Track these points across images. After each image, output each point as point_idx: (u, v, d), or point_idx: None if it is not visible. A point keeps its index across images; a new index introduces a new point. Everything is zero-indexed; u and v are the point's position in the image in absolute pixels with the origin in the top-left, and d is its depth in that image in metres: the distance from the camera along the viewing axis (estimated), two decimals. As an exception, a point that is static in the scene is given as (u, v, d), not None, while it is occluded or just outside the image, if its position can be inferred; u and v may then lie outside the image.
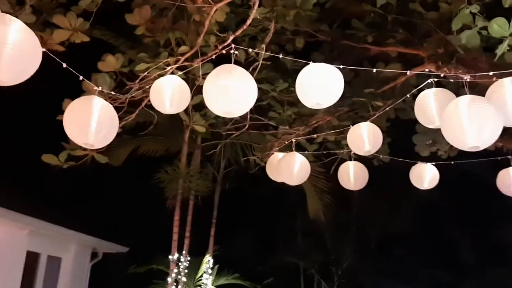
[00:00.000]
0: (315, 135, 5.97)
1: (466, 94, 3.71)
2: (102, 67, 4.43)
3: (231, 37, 3.67)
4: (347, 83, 5.73)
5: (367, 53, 5.69)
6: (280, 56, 4.65)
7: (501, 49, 3.87)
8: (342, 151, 6.24)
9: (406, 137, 6.27)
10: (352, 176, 5.78)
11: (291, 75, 5.71)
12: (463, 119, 3.31)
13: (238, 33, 3.74)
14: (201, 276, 8.08)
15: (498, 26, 3.75)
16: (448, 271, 12.40)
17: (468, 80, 3.84)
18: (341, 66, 3.76)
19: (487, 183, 5.89)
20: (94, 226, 10.43)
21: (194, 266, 7.98)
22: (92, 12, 4.25)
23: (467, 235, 12.27)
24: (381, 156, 6.31)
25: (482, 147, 3.38)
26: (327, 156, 6.45)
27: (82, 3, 4.13)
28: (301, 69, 5.29)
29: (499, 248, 12.37)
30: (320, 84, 3.68)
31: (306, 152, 6.34)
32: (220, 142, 7.42)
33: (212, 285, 8.13)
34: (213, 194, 8.54)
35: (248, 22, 3.69)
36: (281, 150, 6.08)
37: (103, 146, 3.77)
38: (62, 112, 3.66)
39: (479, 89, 4.26)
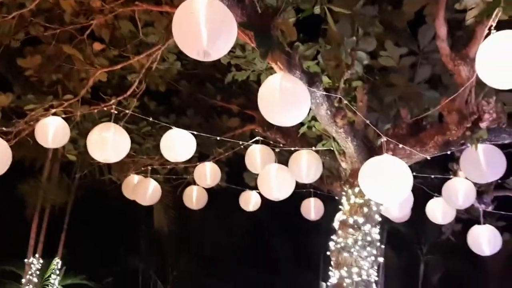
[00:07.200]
0: (168, 165, 7.24)
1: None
2: (-7, 103, 5.13)
3: (113, 101, 4.77)
4: (199, 125, 7.21)
5: (216, 105, 7.19)
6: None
7: (302, 129, 5.68)
8: (188, 176, 7.64)
9: (240, 168, 7.89)
10: (195, 198, 7.22)
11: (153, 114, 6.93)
12: (271, 180, 5.00)
13: (120, 98, 4.87)
14: (49, 276, 8.75)
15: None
16: (266, 273, 14.86)
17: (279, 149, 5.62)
18: (195, 132, 5.11)
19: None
20: None
21: (45, 268, 8.62)
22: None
23: (284, 246, 14.78)
24: (219, 182, 7.87)
25: (281, 198, 5.08)
26: (175, 179, 7.82)
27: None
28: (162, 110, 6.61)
29: (308, 254, 15.15)
30: (178, 145, 5.02)
31: (159, 175, 7.62)
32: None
33: (59, 285, 8.87)
34: (66, 203, 9.16)
35: (129, 93, 4.85)
36: (136, 173, 7.25)
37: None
38: None
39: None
